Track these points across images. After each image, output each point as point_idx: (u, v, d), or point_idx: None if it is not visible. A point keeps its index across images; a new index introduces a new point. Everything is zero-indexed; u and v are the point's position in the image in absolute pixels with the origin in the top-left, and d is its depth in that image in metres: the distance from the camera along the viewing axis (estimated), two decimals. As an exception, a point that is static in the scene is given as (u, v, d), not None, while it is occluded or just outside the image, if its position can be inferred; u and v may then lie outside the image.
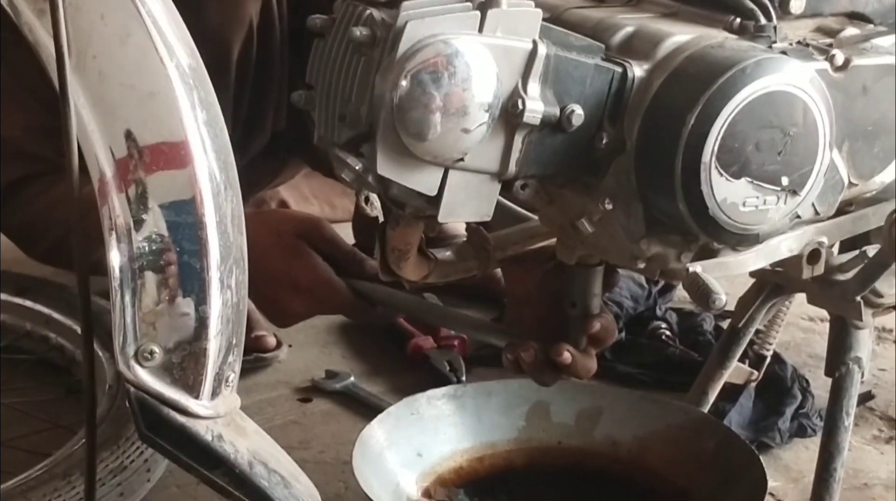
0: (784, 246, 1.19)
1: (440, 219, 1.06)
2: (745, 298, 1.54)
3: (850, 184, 1.19)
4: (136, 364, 0.91)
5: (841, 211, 1.23)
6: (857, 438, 1.67)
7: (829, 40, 1.17)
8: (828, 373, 1.39)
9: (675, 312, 1.97)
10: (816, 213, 1.17)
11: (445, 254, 1.26)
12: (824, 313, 1.47)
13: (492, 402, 1.50)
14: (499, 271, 1.72)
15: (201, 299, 0.91)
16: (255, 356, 1.82)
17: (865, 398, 1.76)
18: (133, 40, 0.90)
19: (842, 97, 1.13)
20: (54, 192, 1.57)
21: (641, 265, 1.14)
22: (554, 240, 1.25)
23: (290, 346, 1.90)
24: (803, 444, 1.66)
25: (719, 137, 1.04)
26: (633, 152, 1.08)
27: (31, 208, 1.59)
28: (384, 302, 1.42)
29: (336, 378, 1.81)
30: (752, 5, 1.13)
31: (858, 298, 1.31)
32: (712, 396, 1.59)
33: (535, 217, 1.27)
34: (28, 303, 1.78)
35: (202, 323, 0.92)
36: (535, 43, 1.02)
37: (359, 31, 1.00)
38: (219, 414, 0.95)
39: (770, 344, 1.70)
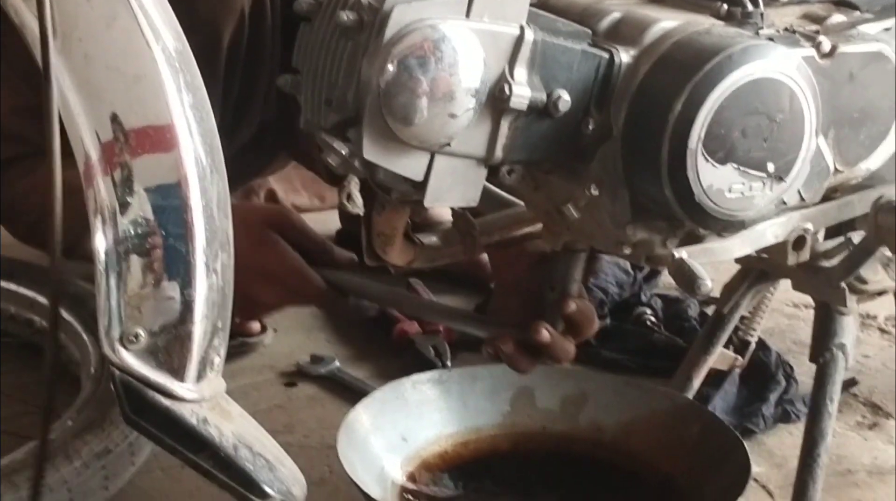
0: (769, 232, 1.20)
1: (426, 204, 1.06)
2: (730, 284, 1.54)
3: (836, 171, 1.20)
4: (121, 347, 0.91)
5: (826, 198, 1.23)
6: (840, 424, 1.67)
7: (815, 27, 1.17)
8: (812, 359, 1.40)
9: (661, 298, 1.97)
10: (802, 199, 1.17)
11: (431, 239, 1.26)
12: (809, 299, 1.47)
13: (477, 387, 1.50)
14: (485, 257, 1.72)
15: (187, 283, 0.91)
16: (240, 341, 1.82)
17: (849, 384, 1.77)
18: (119, 23, 0.89)
19: (828, 84, 1.14)
20: (38, 173, 1.56)
21: (627, 251, 1.15)
22: (540, 226, 1.25)
23: (275, 330, 1.90)
24: (787, 430, 1.67)
25: (706, 124, 1.05)
26: (619, 138, 1.08)
27: (12, 190, 1.58)
28: (357, 292, 1.38)
29: (321, 363, 1.81)
30: (739, -8, 1.13)
31: (843, 284, 1.32)
32: (697, 382, 1.59)
33: (522, 203, 1.27)
34: (12, 286, 1.77)
35: (187, 307, 0.91)
36: (522, 28, 1.02)
37: (346, 16, 1.00)
38: (204, 398, 0.94)
39: (755, 330, 1.70)
